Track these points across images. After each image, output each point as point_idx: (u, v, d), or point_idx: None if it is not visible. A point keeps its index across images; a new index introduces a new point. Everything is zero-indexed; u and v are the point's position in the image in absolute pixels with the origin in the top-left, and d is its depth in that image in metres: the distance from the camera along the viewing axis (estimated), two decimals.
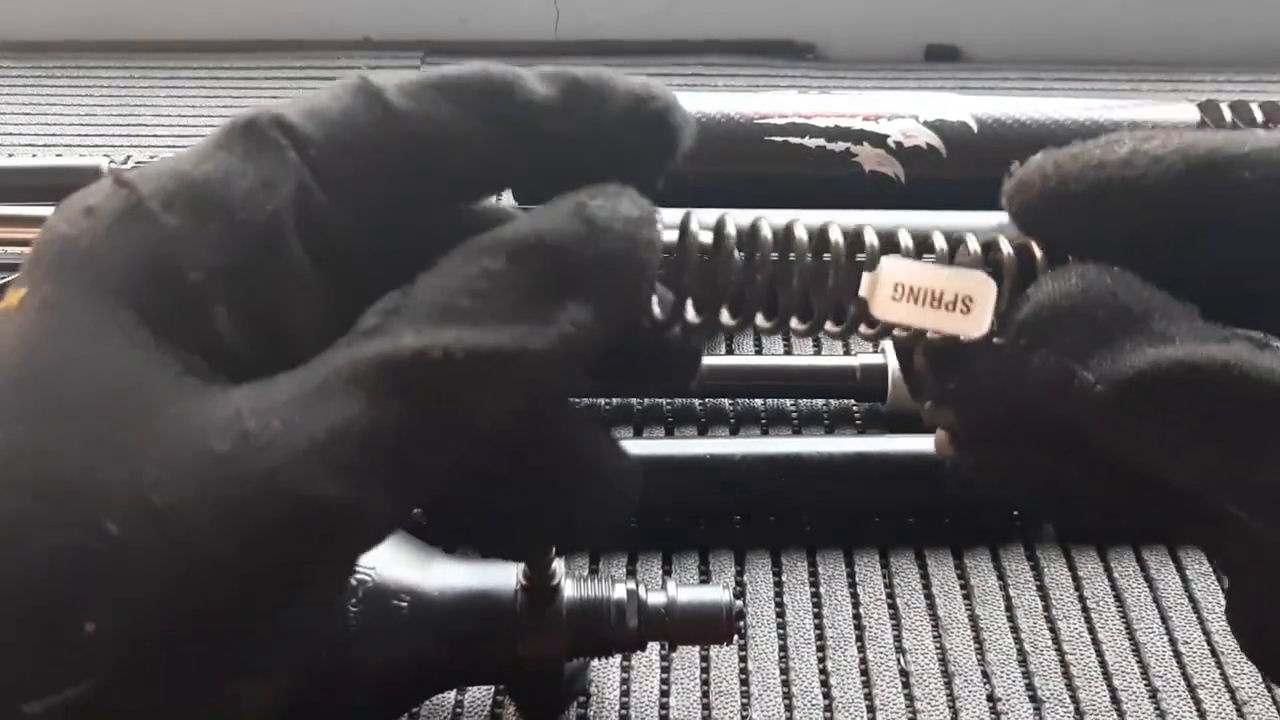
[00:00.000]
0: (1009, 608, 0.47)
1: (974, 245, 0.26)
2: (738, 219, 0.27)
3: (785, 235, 0.27)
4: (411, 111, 0.25)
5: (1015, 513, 0.50)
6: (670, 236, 0.26)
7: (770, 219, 0.27)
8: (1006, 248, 0.26)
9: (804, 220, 0.27)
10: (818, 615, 0.47)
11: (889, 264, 0.26)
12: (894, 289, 0.26)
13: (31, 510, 0.21)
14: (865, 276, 0.26)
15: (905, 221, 0.28)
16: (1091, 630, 0.46)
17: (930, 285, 0.26)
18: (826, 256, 0.27)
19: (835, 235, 0.27)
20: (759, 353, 0.59)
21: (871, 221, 0.27)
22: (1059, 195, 0.26)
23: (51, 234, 0.23)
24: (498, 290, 0.23)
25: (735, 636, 0.41)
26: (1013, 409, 0.26)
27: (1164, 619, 0.46)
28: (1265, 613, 0.26)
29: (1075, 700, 0.43)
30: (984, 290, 0.26)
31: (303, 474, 0.21)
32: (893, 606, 0.47)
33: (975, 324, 0.26)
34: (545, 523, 0.27)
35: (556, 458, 0.26)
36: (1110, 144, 0.26)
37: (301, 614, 0.23)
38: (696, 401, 0.56)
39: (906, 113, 0.66)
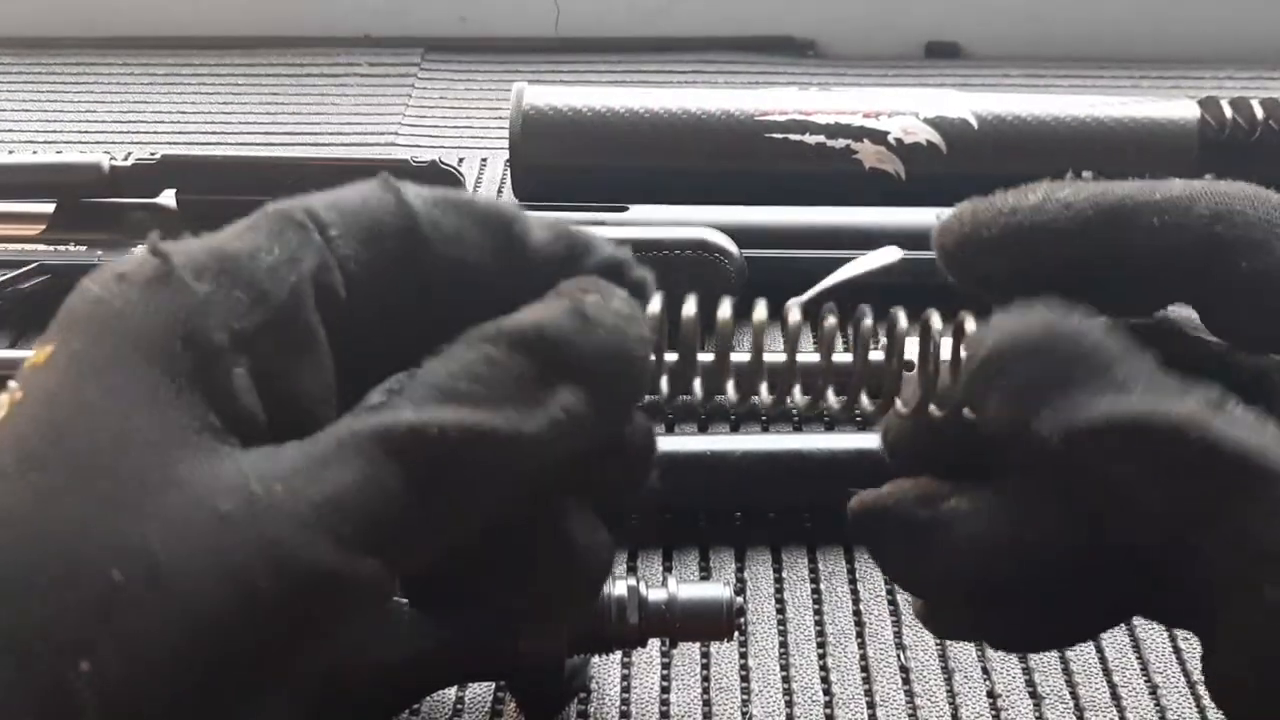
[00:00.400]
0: None
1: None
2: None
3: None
4: (424, 212, 0.27)
5: None
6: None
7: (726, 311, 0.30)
8: (936, 321, 0.27)
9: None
10: (818, 612, 0.47)
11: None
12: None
13: (36, 552, 0.21)
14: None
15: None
16: None
17: None
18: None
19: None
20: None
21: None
22: (972, 240, 0.28)
23: (83, 296, 0.24)
24: (496, 376, 0.24)
25: (736, 633, 0.41)
26: (992, 565, 0.27)
27: None
28: (1235, 673, 0.25)
29: (1075, 696, 0.43)
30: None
31: (302, 540, 0.22)
32: (893, 603, 0.47)
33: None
34: (506, 595, 0.27)
35: (525, 533, 0.27)
36: (1024, 192, 0.28)
37: (298, 675, 0.23)
38: None
39: (907, 109, 0.66)
